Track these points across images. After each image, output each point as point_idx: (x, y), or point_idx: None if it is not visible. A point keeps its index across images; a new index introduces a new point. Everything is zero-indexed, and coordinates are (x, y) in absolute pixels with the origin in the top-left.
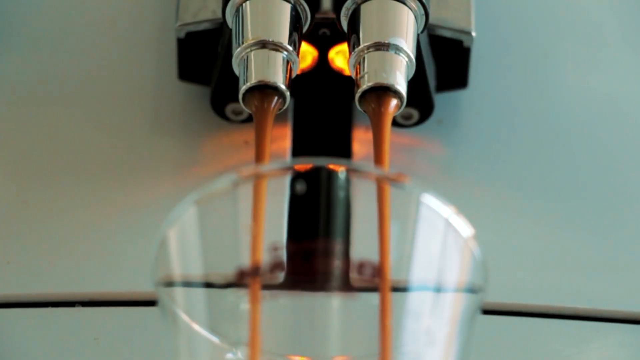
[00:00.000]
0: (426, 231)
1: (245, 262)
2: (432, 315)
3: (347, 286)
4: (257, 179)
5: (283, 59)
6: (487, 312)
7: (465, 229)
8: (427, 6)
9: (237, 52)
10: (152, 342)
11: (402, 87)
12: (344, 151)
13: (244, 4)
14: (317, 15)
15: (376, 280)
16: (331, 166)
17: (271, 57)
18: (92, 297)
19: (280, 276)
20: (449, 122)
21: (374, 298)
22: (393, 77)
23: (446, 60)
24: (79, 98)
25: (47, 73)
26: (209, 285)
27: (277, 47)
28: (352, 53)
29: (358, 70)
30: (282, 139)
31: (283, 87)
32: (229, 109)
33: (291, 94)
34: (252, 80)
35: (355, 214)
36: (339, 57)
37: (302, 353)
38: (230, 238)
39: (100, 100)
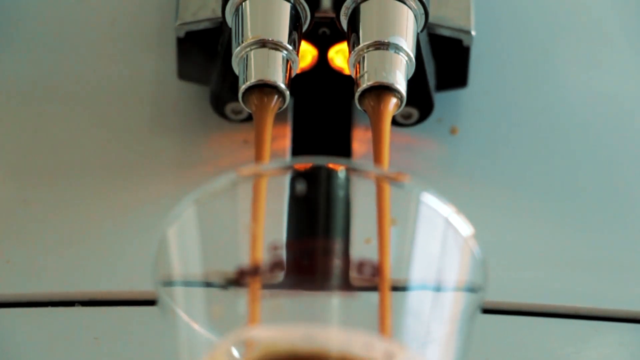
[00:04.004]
0: (426, 230)
1: (245, 261)
2: (432, 315)
3: (347, 285)
4: (257, 178)
5: (283, 58)
6: (486, 311)
7: (464, 228)
8: (426, 5)
9: (236, 51)
10: (152, 342)
11: (401, 86)
12: (344, 150)
13: (243, 3)
14: (317, 14)
15: (376, 280)
16: (331, 165)
17: (271, 56)
18: (92, 297)
19: (280, 275)
20: (449, 121)
21: (373, 297)
22: (393, 76)
23: (446, 59)
24: (79, 97)
25: (47, 73)
26: (208, 284)
27: (276, 46)
28: (352, 52)
29: (358, 69)
30: (282, 138)
31: (283, 86)
32: (229, 108)
33: (291, 93)
34: (252, 80)
35: (355, 213)
36: (339, 56)
37: None
38: (230, 237)
39: (100, 99)
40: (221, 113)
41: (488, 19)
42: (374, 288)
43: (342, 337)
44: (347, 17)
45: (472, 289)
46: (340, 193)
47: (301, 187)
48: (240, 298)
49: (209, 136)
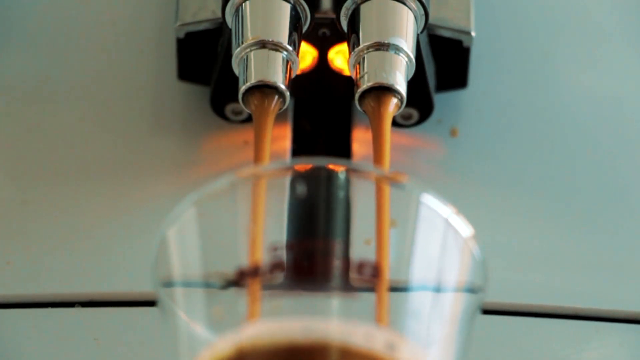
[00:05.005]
0: (426, 231)
1: (245, 262)
2: (432, 315)
3: (347, 286)
4: (257, 179)
5: (283, 58)
6: (486, 311)
7: (464, 228)
8: (426, 6)
9: (236, 52)
10: (152, 342)
11: (401, 87)
12: (344, 151)
13: (243, 4)
14: (317, 15)
15: (376, 281)
16: (331, 166)
17: (271, 57)
18: (92, 298)
19: (280, 276)
20: (449, 122)
21: (373, 298)
22: (393, 77)
23: (446, 60)
24: (79, 98)
25: (47, 73)
26: (208, 285)
27: (276, 47)
28: (352, 53)
29: (358, 70)
30: (282, 139)
31: (283, 86)
32: (229, 108)
33: (291, 94)
34: (252, 80)
35: (355, 214)
36: (339, 57)
37: None
38: (229, 238)
39: (100, 100)
40: (221, 114)
41: (488, 19)
42: (374, 289)
43: (342, 328)
44: (347, 18)
45: (472, 290)
46: (340, 194)
47: (301, 188)
48: (240, 299)
49: (209, 137)
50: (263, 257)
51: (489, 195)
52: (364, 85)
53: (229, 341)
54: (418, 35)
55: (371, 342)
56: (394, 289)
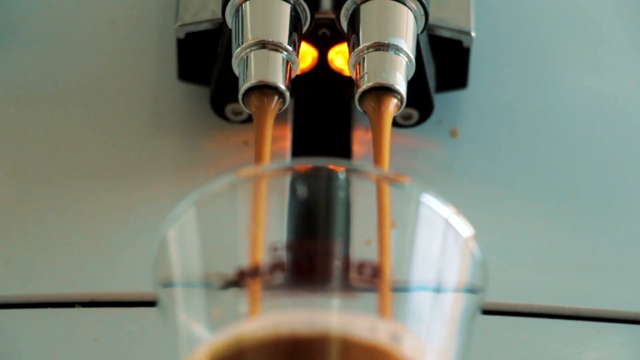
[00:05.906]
0: (426, 231)
1: (245, 262)
2: (432, 316)
3: (347, 287)
4: (257, 179)
5: (283, 59)
6: (486, 312)
7: (465, 229)
8: (426, 6)
9: (236, 52)
10: (152, 343)
11: (401, 87)
12: (344, 151)
13: (243, 4)
14: (317, 16)
15: (376, 281)
16: (331, 166)
17: (271, 57)
18: (92, 298)
19: (280, 277)
20: (449, 122)
21: (374, 298)
22: (393, 77)
23: (446, 61)
24: (79, 98)
25: (47, 73)
26: (208, 285)
27: (276, 47)
28: (352, 53)
29: (358, 70)
30: (282, 140)
31: (283, 87)
32: (229, 109)
33: (291, 94)
34: (252, 80)
35: (355, 214)
36: (339, 57)
37: None
38: (230, 238)
39: (100, 100)
40: (221, 114)
41: (488, 20)
42: (374, 289)
43: (345, 320)
44: (347, 18)
45: (472, 290)
46: (341, 194)
47: (301, 188)
48: (240, 299)
49: (209, 137)
50: (263, 258)
51: (489, 195)
52: (364, 85)
53: (229, 332)
54: (418, 35)
55: (375, 333)
56: (395, 289)
